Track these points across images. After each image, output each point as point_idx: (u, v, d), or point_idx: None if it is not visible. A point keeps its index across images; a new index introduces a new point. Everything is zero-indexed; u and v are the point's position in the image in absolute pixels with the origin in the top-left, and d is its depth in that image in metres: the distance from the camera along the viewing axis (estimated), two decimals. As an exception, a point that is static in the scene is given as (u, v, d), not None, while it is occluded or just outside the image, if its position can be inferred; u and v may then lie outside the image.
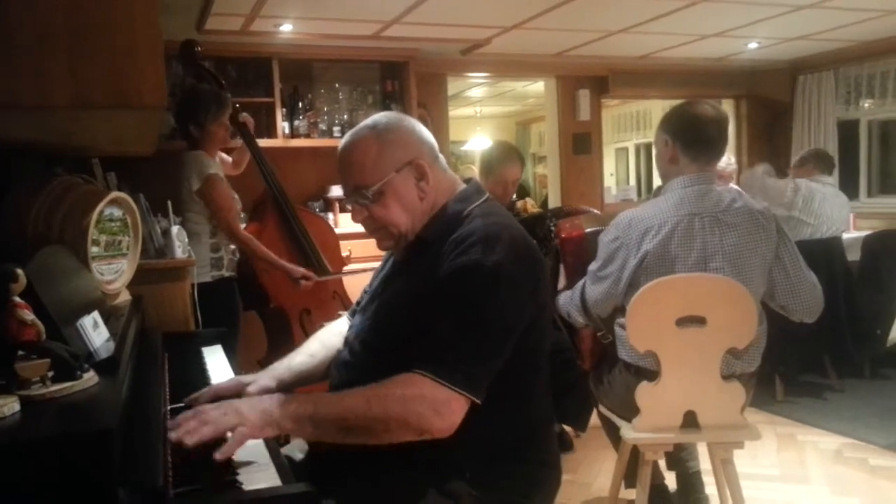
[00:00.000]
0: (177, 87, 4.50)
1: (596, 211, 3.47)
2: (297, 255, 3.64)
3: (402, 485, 1.45)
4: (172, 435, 1.26)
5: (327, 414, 1.36)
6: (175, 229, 2.76)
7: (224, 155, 3.64)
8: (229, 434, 1.31)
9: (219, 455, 1.26)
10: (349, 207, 1.60)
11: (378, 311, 1.60)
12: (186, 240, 2.85)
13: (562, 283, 2.70)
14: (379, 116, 1.59)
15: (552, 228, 2.95)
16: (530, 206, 3.82)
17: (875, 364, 4.71)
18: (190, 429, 1.27)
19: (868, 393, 4.38)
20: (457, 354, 1.38)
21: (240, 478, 1.27)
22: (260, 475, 1.29)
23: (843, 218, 4.50)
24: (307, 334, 3.51)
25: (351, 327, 1.71)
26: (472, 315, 1.40)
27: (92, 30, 1.63)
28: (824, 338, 4.22)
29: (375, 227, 1.58)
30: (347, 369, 1.60)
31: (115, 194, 2.00)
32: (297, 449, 1.72)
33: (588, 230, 2.71)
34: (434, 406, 1.35)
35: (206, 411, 1.32)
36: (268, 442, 1.42)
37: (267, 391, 1.68)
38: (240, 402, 1.40)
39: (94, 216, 1.85)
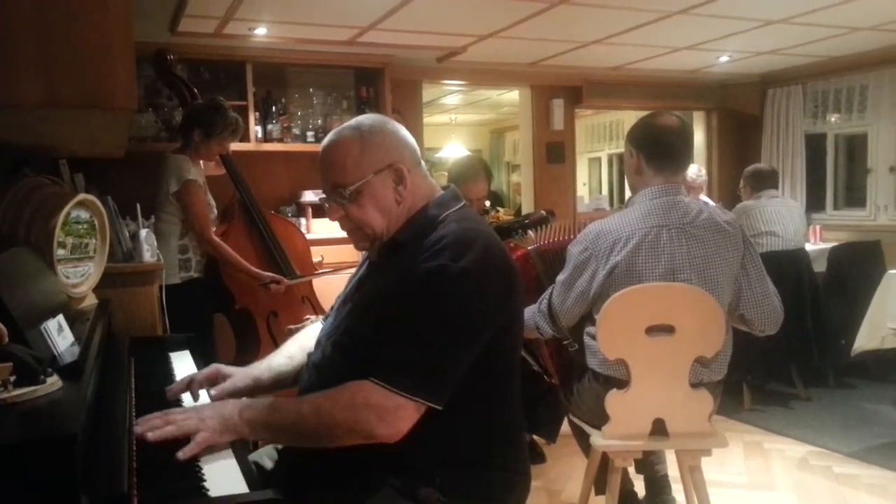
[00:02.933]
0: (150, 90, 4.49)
1: (543, 212, 3.51)
2: (264, 259, 3.64)
3: (371, 491, 1.44)
4: (137, 429, 1.32)
5: (281, 420, 1.42)
6: (143, 232, 2.72)
7: None
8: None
9: (180, 454, 1.30)
10: (326, 206, 1.60)
11: (350, 312, 1.60)
12: (155, 243, 2.82)
13: None
14: (363, 118, 1.59)
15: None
16: (503, 214, 3.84)
17: (839, 373, 4.80)
18: (154, 426, 1.34)
19: (832, 402, 4.46)
20: (409, 360, 1.39)
21: (206, 484, 1.25)
22: (227, 481, 1.27)
23: (799, 226, 4.56)
24: (274, 337, 3.53)
25: (323, 329, 1.70)
26: (430, 319, 1.41)
27: (63, 29, 1.61)
28: (791, 347, 4.30)
29: (351, 227, 1.58)
30: (319, 371, 1.59)
31: (82, 196, 1.97)
32: (265, 455, 1.71)
33: (530, 248, 2.74)
34: (379, 413, 1.37)
35: (172, 412, 1.40)
36: (235, 448, 1.41)
37: (236, 393, 1.70)
38: (203, 406, 1.46)
39: (61, 218, 1.82)
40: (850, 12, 4.39)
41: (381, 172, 1.52)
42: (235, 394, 1.71)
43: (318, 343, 1.66)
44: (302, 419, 1.40)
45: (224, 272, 3.53)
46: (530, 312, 2.48)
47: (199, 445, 1.34)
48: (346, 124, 1.59)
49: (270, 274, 3.53)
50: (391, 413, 1.37)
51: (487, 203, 3.65)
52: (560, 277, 2.43)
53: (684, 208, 2.34)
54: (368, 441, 1.38)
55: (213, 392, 1.69)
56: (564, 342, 2.54)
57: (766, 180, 4.64)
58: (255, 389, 1.74)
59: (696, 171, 5.22)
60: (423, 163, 1.62)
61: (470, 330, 1.44)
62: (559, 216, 4.23)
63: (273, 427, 1.42)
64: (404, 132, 1.60)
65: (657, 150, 2.38)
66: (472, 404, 1.45)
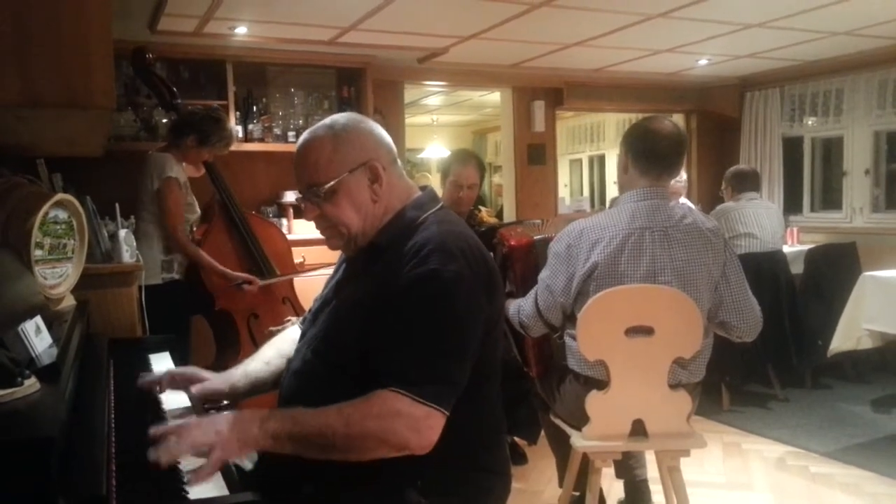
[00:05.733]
0: (129, 88, 4.45)
1: (536, 221, 3.51)
2: (244, 259, 3.62)
3: (352, 494, 1.44)
4: (151, 452, 1.25)
5: (307, 431, 1.35)
6: (123, 233, 2.70)
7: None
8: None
9: (194, 479, 1.25)
10: (302, 206, 1.59)
11: (330, 318, 1.58)
12: (134, 244, 2.80)
13: (508, 289, 2.72)
14: (338, 116, 1.59)
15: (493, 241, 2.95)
16: (486, 215, 3.84)
17: (816, 374, 4.86)
18: (167, 444, 1.27)
19: (809, 402, 4.51)
20: (428, 369, 1.37)
21: (186, 487, 1.24)
22: (206, 484, 1.26)
23: (777, 228, 4.61)
24: (254, 339, 3.51)
25: (302, 334, 1.69)
26: (437, 327, 1.40)
27: (41, 27, 1.60)
28: (768, 348, 4.34)
29: (326, 226, 1.57)
30: (299, 378, 1.58)
31: (60, 196, 1.95)
32: (244, 456, 1.70)
33: (536, 237, 2.74)
34: (411, 423, 1.34)
35: (187, 427, 1.31)
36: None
37: (216, 393, 1.69)
38: (220, 418, 1.37)
39: (39, 218, 1.80)
40: (827, 17, 4.45)
41: (355, 171, 1.52)
42: (216, 394, 1.69)
43: (298, 350, 1.65)
44: (330, 429, 1.34)
45: (204, 273, 3.51)
46: (515, 306, 2.49)
47: (215, 467, 1.28)
48: (319, 123, 1.58)
49: (242, 274, 3.52)
50: (423, 422, 1.35)
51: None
52: (542, 275, 2.44)
53: (668, 212, 2.36)
54: (400, 453, 1.35)
55: (193, 389, 1.67)
56: (555, 335, 2.55)
57: (748, 182, 4.68)
58: (233, 395, 1.72)
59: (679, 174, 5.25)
60: (399, 161, 1.62)
61: (471, 333, 1.44)
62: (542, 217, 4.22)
63: (298, 438, 1.35)
64: (379, 130, 1.59)
65: (644, 151, 2.40)
66: (454, 405, 1.45)
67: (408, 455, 1.38)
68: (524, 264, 2.64)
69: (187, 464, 1.32)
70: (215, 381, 1.70)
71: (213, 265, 3.45)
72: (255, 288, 3.53)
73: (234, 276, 3.49)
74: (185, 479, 1.26)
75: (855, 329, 3.72)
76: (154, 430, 1.30)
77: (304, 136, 1.57)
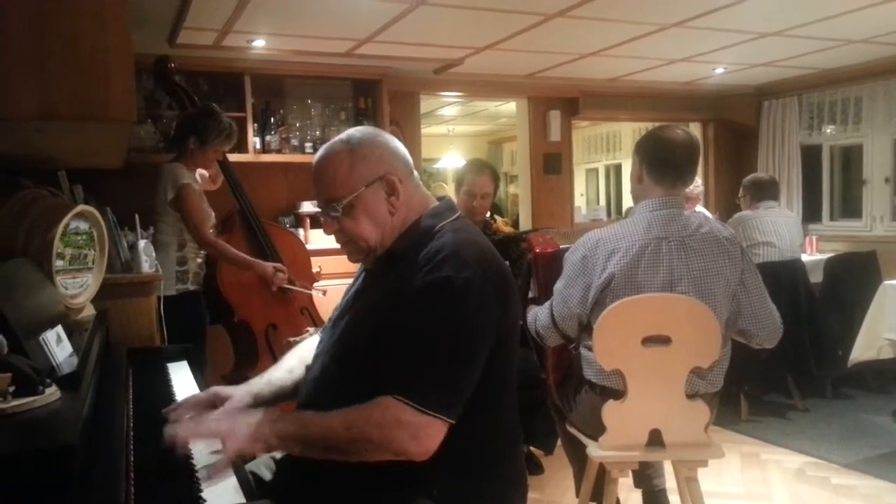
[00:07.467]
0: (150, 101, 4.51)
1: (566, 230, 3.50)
2: None
3: (368, 502, 1.44)
4: (168, 429, 1.35)
5: (312, 434, 1.42)
6: (142, 243, 2.73)
7: (202, 170, 3.64)
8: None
9: (213, 473, 1.34)
10: (321, 220, 1.61)
11: (348, 325, 1.60)
12: (153, 254, 2.83)
13: (532, 295, 2.72)
14: (353, 131, 1.60)
15: (522, 246, 2.95)
16: (502, 224, 3.85)
17: (837, 384, 4.80)
18: (187, 428, 1.37)
19: (829, 413, 4.46)
20: (432, 378, 1.39)
21: (203, 494, 1.25)
22: (223, 492, 1.28)
23: (795, 237, 4.57)
24: (272, 350, 3.52)
25: (321, 342, 1.71)
26: (443, 335, 1.41)
27: (60, 41, 1.62)
28: (788, 358, 4.29)
29: (345, 240, 1.59)
30: (317, 384, 1.59)
31: (81, 207, 1.98)
32: (262, 465, 1.71)
33: (562, 246, 2.73)
34: (411, 431, 1.36)
35: (205, 418, 1.44)
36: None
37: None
38: (234, 412, 1.49)
39: (60, 229, 1.83)
40: (843, 25, 4.42)
41: (372, 185, 1.53)
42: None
43: (317, 357, 1.66)
44: (333, 434, 1.39)
45: (223, 284, 3.53)
46: (533, 316, 2.49)
47: (230, 458, 1.36)
48: (336, 138, 1.59)
49: (270, 264, 3.55)
50: (423, 431, 1.37)
51: (487, 214, 3.64)
52: (557, 286, 2.43)
53: (685, 221, 2.35)
54: (398, 458, 1.38)
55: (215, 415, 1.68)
56: (570, 346, 2.54)
57: (766, 191, 4.64)
58: (256, 406, 1.73)
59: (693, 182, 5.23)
60: (415, 173, 1.63)
61: (480, 342, 1.44)
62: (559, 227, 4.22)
63: (303, 440, 1.42)
64: (395, 143, 1.61)
65: (658, 160, 2.40)
66: (470, 414, 1.46)
67: (424, 464, 1.38)
68: (548, 271, 2.63)
69: (201, 463, 1.34)
70: (237, 397, 1.69)
71: (246, 259, 3.49)
72: (286, 278, 3.56)
73: (267, 266, 3.53)
74: (201, 487, 1.27)
75: (876, 338, 3.68)
76: (168, 409, 1.41)
77: (321, 151, 1.59)
